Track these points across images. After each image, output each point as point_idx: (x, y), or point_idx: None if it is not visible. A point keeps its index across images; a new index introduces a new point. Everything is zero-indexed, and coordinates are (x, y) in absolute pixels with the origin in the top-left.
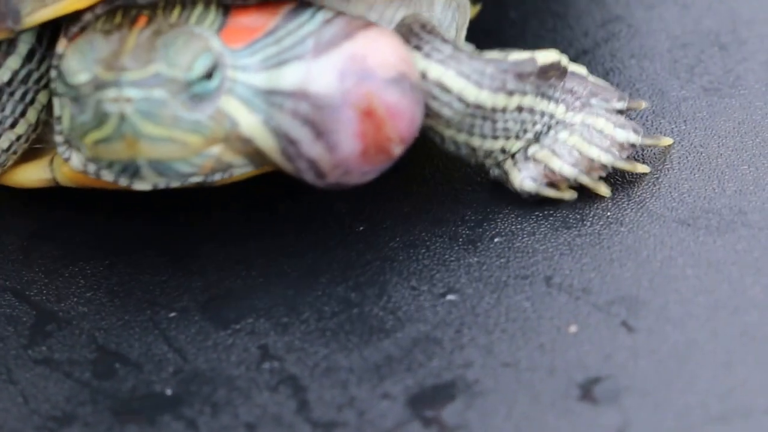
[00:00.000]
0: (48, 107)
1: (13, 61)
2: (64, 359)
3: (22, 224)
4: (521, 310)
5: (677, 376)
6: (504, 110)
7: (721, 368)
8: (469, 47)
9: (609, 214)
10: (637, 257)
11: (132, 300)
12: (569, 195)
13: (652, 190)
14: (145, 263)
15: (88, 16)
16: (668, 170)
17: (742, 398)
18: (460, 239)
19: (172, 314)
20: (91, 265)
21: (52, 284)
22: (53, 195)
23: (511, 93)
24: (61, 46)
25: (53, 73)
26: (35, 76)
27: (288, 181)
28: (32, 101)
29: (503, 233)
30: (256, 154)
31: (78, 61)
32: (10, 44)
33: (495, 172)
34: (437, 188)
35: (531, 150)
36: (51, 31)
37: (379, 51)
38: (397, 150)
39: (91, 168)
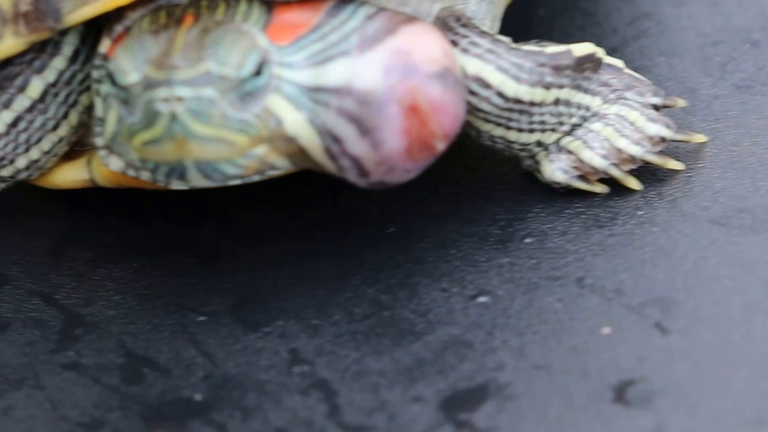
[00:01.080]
0: (89, 109)
1: (59, 62)
2: (92, 364)
3: (51, 227)
4: (553, 312)
5: (711, 378)
6: (541, 104)
7: (756, 370)
8: (506, 39)
9: (641, 213)
10: (670, 257)
11: (161, 303)
12: (600, 189)
13: (685, 189)
14: (174, 266)
15: (132, 15)
16: (701, 169)
17: None
18: (491, 240)
19: (202, 318)
20: (120, 268)
21: (81, 288)
22: (83, 198)
23: (548, 86)
24: (104, 46)
25: (95, 74)
26: (79, 77)
27: (318, 181)
28: (75, 103)
29: (534, 233)
30: (298, 154)
31: (128, 61)
32: (56, 45)
33: (527, 162)
34: (467, 188)
35: (564, 141)
36: (95, 32)
37: (423, 45)
38: (441, 146)
39: (132, 170)
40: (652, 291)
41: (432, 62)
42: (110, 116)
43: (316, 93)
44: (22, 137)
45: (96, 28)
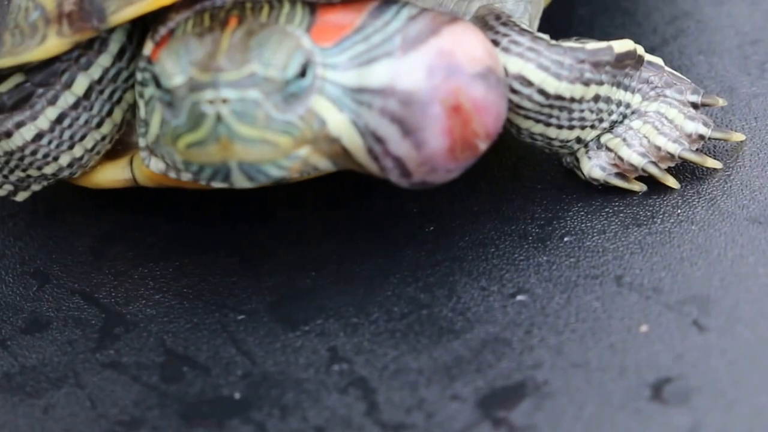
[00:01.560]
0: (132, 107)
1: (105, 59)
2: (132, 363)
3: (92, 226)
4: (591, 310)
5: (748, 376)
6: (581, 100)
7: None
8: (545, 36)
9: (679, 211)
10: (708, 256)
11: (200, 302)
12: (638, 187)
13: (723, 187)
14: (214, 264)
15: (176, 17)
16: (739, 167)
17: None
18: (530, 238)
19: (241, 317)
20: (161, 267)
21: (121, 287)
22: (124, 197)
23: (588, 83)
24: (148, 48)
25: (139, 76)
26: (124, 75)
27: (358, 180)
28: (119, 100)
29: (573, 232)
30: (341, 154)
31: (173, 64)
32: (102, 43)
33: (567, 159)
34: (506, 186)
35: (604, 138)
36: (141, 31)
37: (465, 46)
38: (483, 146)
39: (173, 172)
40: (690, 289)
41: (475, 62)
42: (154, 119)
43: (360, 94)
44: (66, 134)
45: (142, 26)
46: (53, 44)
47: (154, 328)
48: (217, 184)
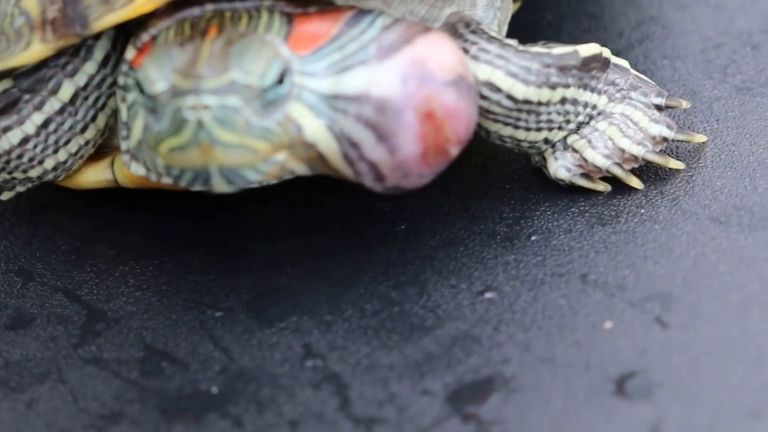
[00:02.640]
0: (115, 112)
1: (90, 66)
2: (113, 358)
3: (75, 225)
4: (557, 307)
5: (710, 372)
6: (548, 103)
7: (754, 364)
8: (513, 42)
9: (643, 211)
10: (670, 254)
11: (179, 299)
12: (603, 187)
13: (686, 187)
14: (193, 262)
15: (158, 24)
16: (701, 168)
17: None
18: (498, 237)
19: (218, 313)
20: (141, 265)
21: (103, 284)
22: (105, 197)
23: (554, 86)
24: (130, 54)
25: (121, 82)
26: (109, 81)
27: (333, 182)
28: (103, 106)
29: (540, 231)
30: (317, 159)
31: (156, 71)
32: (88, 50)
33: (535, 159)
34: (475, 186)
35: (570, 139)
36: (124, 38)
37: (438, 54)
38: (455, 151)
39: (154, 176)
40: (653, 287)
41: (447, 70)
42: (136, 124)
43: (335, 101)
44: (52, 139)
45: (125, 33)
46: (37, 50)
47: (135, 325)
48: (197, 188)
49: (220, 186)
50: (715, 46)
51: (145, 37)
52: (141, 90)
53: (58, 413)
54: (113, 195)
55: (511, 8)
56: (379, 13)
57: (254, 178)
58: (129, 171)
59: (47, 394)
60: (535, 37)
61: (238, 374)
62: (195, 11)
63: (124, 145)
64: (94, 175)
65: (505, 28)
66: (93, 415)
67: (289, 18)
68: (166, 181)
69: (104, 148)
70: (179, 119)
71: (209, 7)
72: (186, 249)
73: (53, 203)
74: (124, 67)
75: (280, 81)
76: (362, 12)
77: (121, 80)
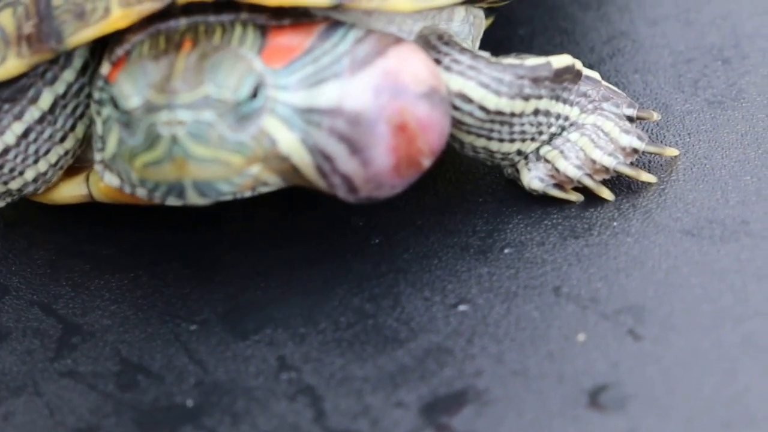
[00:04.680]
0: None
1: (69, 75)
2: (89, 372)
3: (51, 239)
4: (531, 320)
5: (682, 383)
6: (521, 114)
7: (726, 375)
8: (485, 54)
9: (615, 224)
10: (642, 267)
11: (155, 313)
12: (575, 197)
13: (658, 200)
14: (168, 276)
15: (132, 39)
16: (673, 181)
17: (747, 405)
18: (471, 250)
19: (193, 327)
20: (117, 279)
21: (78, 298)
22: (81, 211)
23: (527, 98)
24: (105, 69)
25: (96, 96)
26: (87, 90)
27: (308, 196)
28: (81, 115)
29: (513, 244)
30: (290, 171)
31: (130, 86)
32: (67, 58)
33: (508, 171)
34: (449, 200)
35: (543, 150)
36: (103, 47)
37: (410, 67)
38: (427, 162)
39: (128, 188)
40: (625, 299)
41: (419, 83)
42: (111, 138)
43: (309, 114)
44: (32, 148)
45: (103, 43)
46: (12, 65)
47: (110, 338)
48: (171, 202)
49: (194, 199)
50: (686, 60)
51: (119, 51)
52: (115, 105)
53: (34, 426)
54: (88, 209)
55: (484, 24)
56: (351, 26)
57: (228, 190)
58: (103, 182)
59: (23, 407)
60: (508, 52)
61: (213, 387)
62: (170, 24)
63: (98, 156)
64: (70, 190)
65: (477, 43)
66: (69, 428)
67: (263, 31)
68: (140, 193)
69: (79, 163)
70: (153, 135)
71: (183, 21)
72: (161, 262)
73: (29, 218)
74: (99, 82)
75: (254, 95)
76: (335, 24)
77: (96, 95)
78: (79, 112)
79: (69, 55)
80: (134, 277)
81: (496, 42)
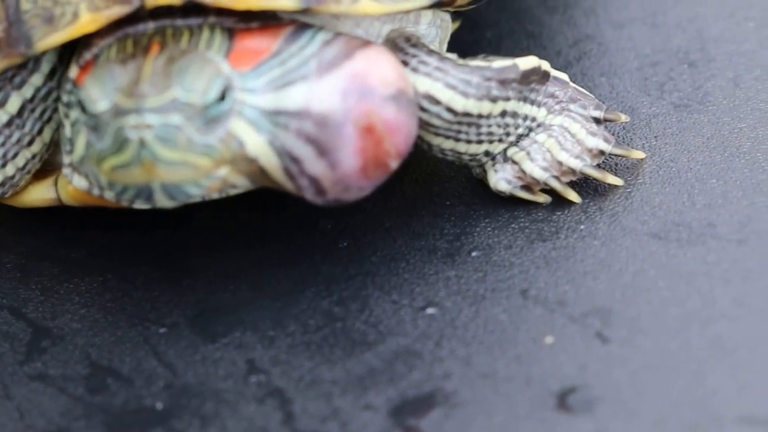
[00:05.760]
0: (60, 126)
1: (37, 79)
2: (59, 375)
3: (20, 243)
4: (498, 323)
5: (650, 386)
6: (489, 116)
7: (693, 377)
8: (453, 56)
9: (582, 227)
10: (610, 270)
11: (124, 316)
12: (543, 199)
13: (625, 203)
14: (137, 279)
15: (100, 43)
16: (640, 185)
17: (714, 407)
18: (439, 253)
19: (163, 330)
20: (86, 282)
21: (48, 301)
22: (49, 215)
23: (495, 99)
24: (73, 72)
25: (64, 99)
26: (55, 94)
27: (276, 199)
28: (49, 119)
29: (480, 247)
30: (258, 174)
31: (98, 90)
32: (35, 62)
33: (476, 171)
34: (416, 203)
35: (510, 151)
36: (71, 51)
37: (378, 69)
38: (394, 164)
39: (96, 190)
40: (593, 302)
41: (387, 85)
42: (79, 141)
43: (276, 116)
44: (0, 152)
45: (72, 46)
46: None
47: (80, 342)
48: (139, 205)
49: (162, 202)
50: (652, 63)
51: (87, 55)
52: (83, 108)
53: (4, 429)
54: (57, 212)
55: (451, 27)
56: (319, 28)
57: (196, 193)
58: (71, 185)
59: None
60: (475, 54)
61: (182, 390)
62: (137, 28)
63: (66, 159)
64: (38, 194)
65: (444, 47)
66: (39, 431)
67: (231, 34)
68: (109, 195)
69: (47, 166)
70: (121, 138)
71: (151, 25)
72: (130, 265)
73: None
74: (67, 85)
75: (222, 98)
76: (303, 27)
77: (64, 98)
78: (46, 116)
79: (37, 59)
80: (103, 281)
81: (464, 45)
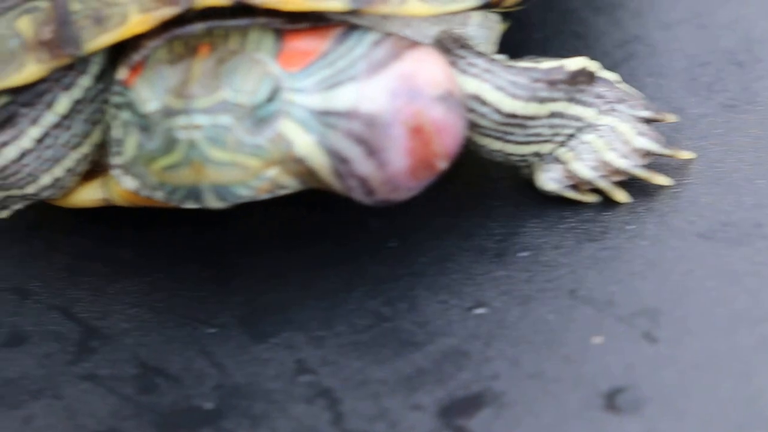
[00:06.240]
0: (109, 128)
1: (85, 80)
2: (108, 375)
3: (70, 243)
4: (547, 323)
5: (698, 386)
6: (536, 117)
7: (741, 378)
8: (501, 57)
9: (630, 227)
10: (658, 270)
11: (173, 316)
12: (590, 198)
13: (672, 204)
14: (186, 279)
15: (149, 44)
16: (687, 184)
17: (762, 407)
18: (488, 253)
19: (211, 330)
20: (135, 282)
21: (98, 302)
22: (98, 214)
23: (543, 101)
24: (122, 74)
25: (114, 100)
26: (102, 95)
27: (325, 199)
28: (97, 121)
29: (529, 247)
30: (307, 174)
31: (148, 91)
32: (84, 63)
33: (524, 171)
34: (465, 203)
35: (558, 151)
36: (119, 53)
37: (426, 69)
38: (442, 165)
39: (146, 191)
40: (641, 302)
41: (435, 85)
42: (129, 142)
43: (325, 116)
44: (48, 153)
45: (121, 48)
46: (31, 71)
47: (129, 342)
48: (189, 205)
49: (212, 202)
50: (699, 64)
51: (136, 57)
52: (133, 110)
53: (54, 430)
54: (106, 212)
55: (499, 28)
56: (367, 29)
57: (246, 193)
58: (121, 186)
59: (43, 410)
60: (523, 55)
61: (231, 390)
62: (186, 30)
63: (115, 160)
64: (87, 194)
65: (493, 48)
66: (89, 431)
67: (280, 35)
68: (158, 196)
69: (95, 167)
70: (171, 139)
71: (200, 26)
72: (179, 265)
73: (47, 221)
74: (116, 87)
75: (271, 98)
76: (352, 28)
77: (113, 99)
78: (95, 117)
79: (86, 60)
80: (152, 281)
81: (512, 46)
